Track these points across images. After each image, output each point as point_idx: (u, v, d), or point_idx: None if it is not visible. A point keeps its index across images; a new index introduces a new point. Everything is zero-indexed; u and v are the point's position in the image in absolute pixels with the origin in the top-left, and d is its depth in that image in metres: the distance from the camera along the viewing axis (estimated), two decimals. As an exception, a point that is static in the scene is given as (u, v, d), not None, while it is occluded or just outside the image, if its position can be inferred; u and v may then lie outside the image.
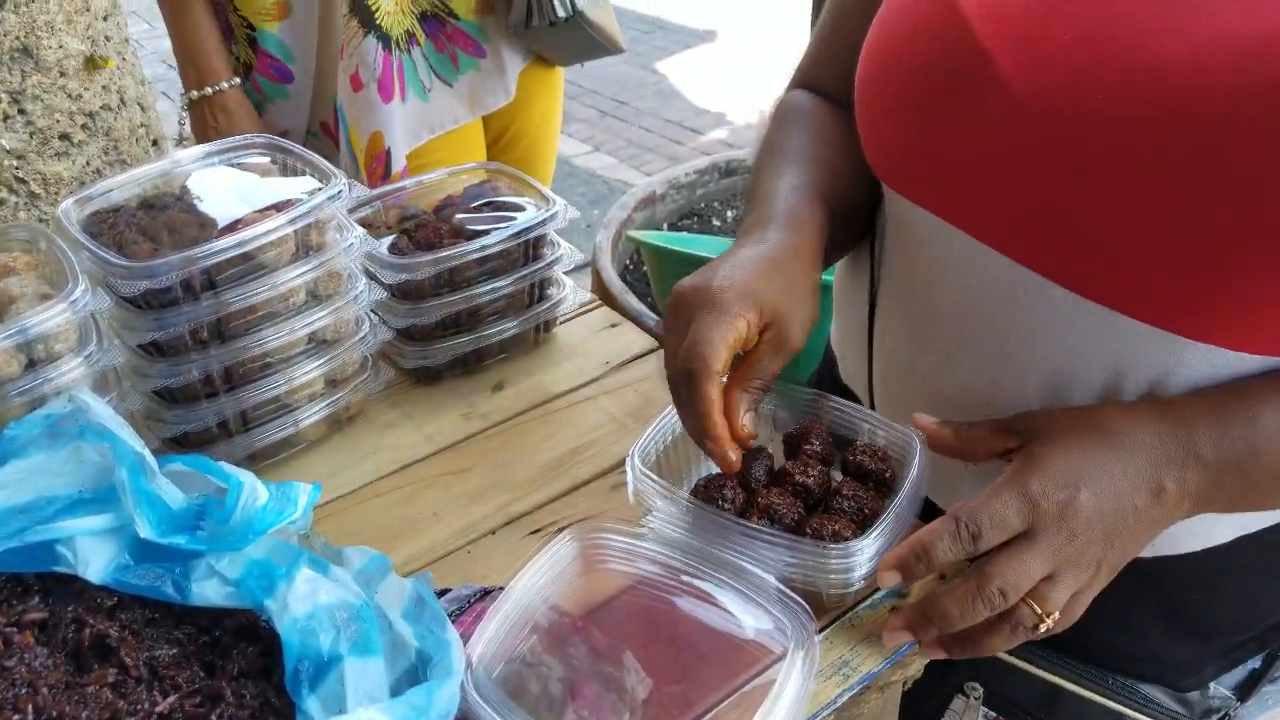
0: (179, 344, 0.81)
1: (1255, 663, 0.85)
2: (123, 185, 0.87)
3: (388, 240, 0.98)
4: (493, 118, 1.63)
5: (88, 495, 0.66)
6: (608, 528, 0.72)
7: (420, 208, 1.06)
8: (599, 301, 1.15)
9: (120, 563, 0.64)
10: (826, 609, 0.73)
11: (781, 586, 0.67)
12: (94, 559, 0.63)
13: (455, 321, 0.99)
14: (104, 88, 1.53)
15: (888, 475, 0.76)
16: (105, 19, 1.55)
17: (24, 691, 0.58)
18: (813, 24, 0.91)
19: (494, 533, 0.84)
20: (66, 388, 0.76)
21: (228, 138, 0.94)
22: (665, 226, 2.70)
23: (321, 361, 0.90)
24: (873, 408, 0.87)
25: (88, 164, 1.53)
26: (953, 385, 0.76)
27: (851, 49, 0.77)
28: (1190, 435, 0.64)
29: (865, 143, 0.76)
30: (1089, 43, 0.62)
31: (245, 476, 0.66)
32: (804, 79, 0.91)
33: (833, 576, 0.68)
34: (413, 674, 0.62)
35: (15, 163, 1.45)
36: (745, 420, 0.69)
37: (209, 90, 1.46)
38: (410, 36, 1.47)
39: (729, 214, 2.76)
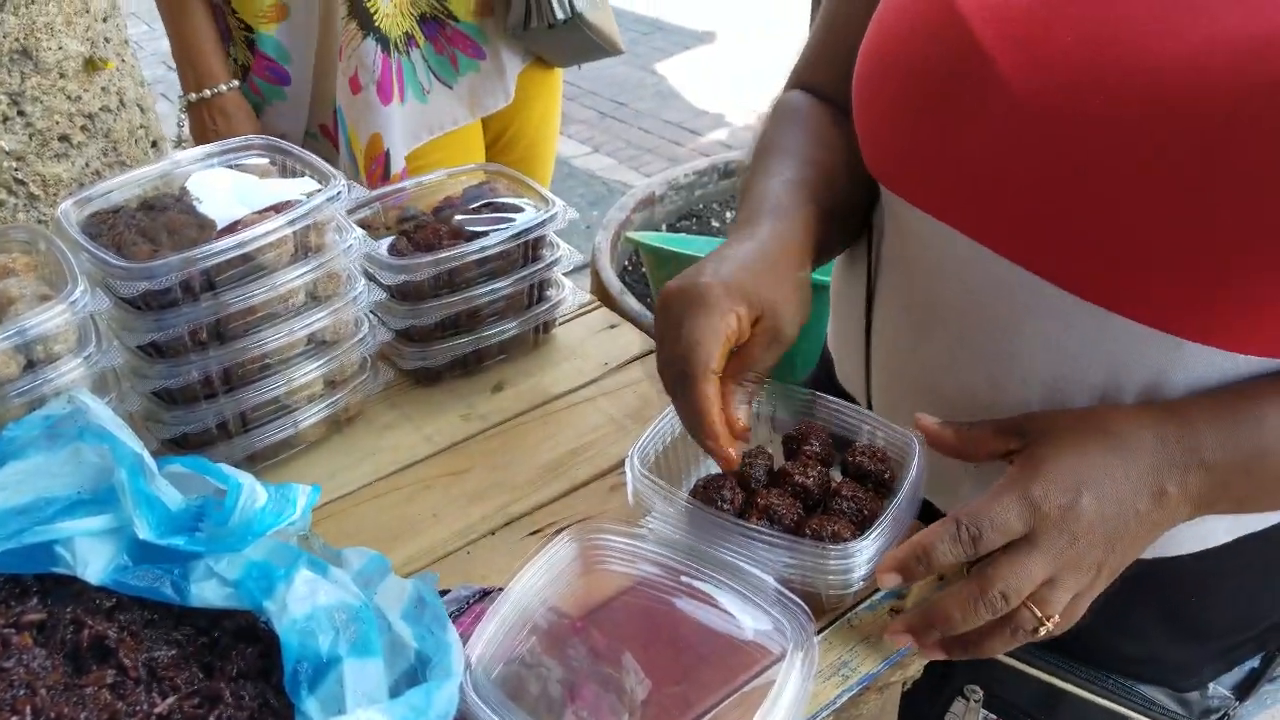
0: (178, 345, 0.81)
1: (1254, 662, 0.85)
2: (122, 186, 0.87)
3: (387, 241, 0.98)
4: (492, 119, 1.63)
5: (87, 496, 0.66)
6: (607, 529, 0.72)
7: (419, 209, 1.06)
8: (598, 302, 1.15)
9: (119, 564, 0.64)
10: (826, 610, 0.73)
11: (780, 587, 0.67)
12: (93, 560, 0.63)
13: (454, 322, 0.99)
14: (103, 89, 1.53)
15: (887, 476, 0.76)
16: (105, 21, 1.55)
17: (22, 693, 0.58)
18: (811, 25, 0.91)
19: (493, 534, 0.84)
20: (66, 389, 0.76)
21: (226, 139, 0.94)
22: (664, 228, 2.70)
23: (321, 362, 0.90)
24: (870, 409, 0.87)
25: (87, 165, 1.53)
26: (951, 387, 0.76)
27: (848, 49, 0.77)
28: (1194, 438, 0.64)
29: (863, 143, 0.76)
30: (1090, 44, 0.62)
31: (244, 478, 0.66)
32: (800, 79, 0.91)
33: (832, 577, 0.68)
34: (412, 675, 0.62)
35: (14, 164, 1.45)
36: (740, 414, 0.69)
37: (207, 93, 1.46)
38: (409, 38, 1.48)
39: (728, 215, 2.76)
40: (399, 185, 1.09)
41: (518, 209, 1.02)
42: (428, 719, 0.56)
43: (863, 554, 0.68)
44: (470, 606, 0.72)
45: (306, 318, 0.87)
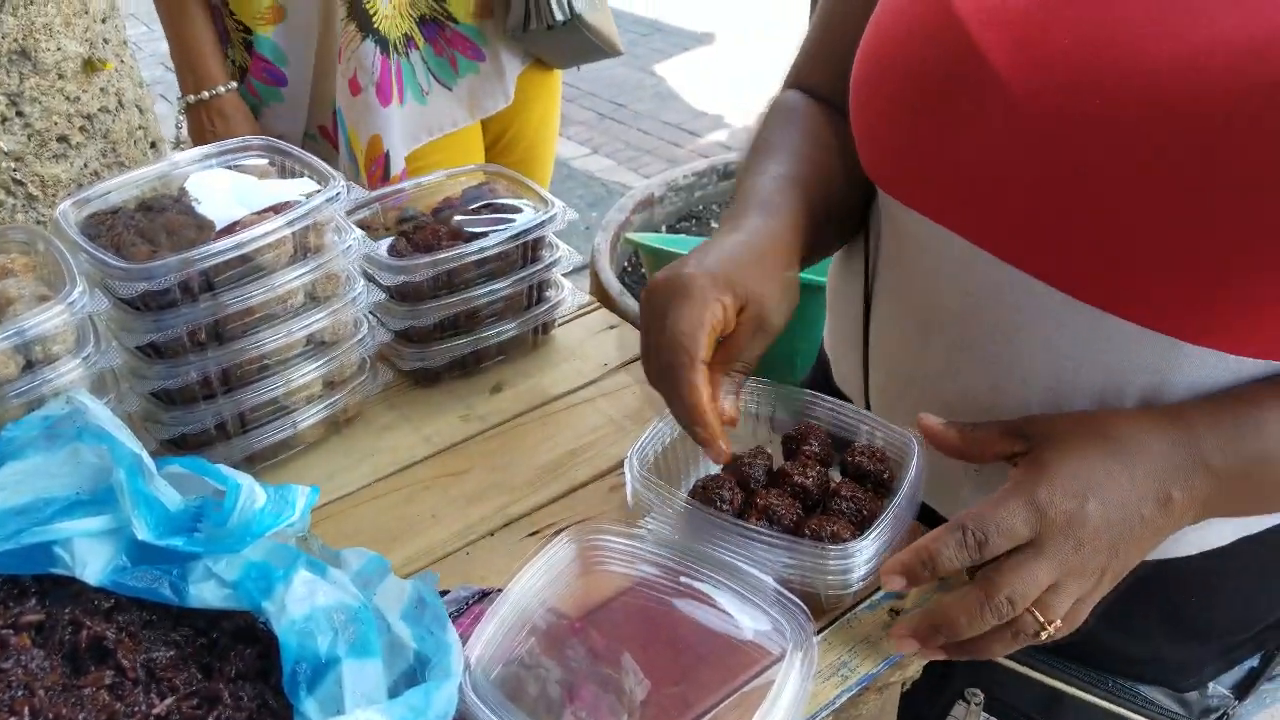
0: (177, 346, 0.81)
1: (1253, 662, 0.85)
2: (121, 187, 0.87)
3: (386, 242, 0.98)
4: (491, 120, 1.63)
5: (85, 497, 0.66)
6: (606, 529, 0.72)
7: (419, 210, 1.06)
8: (597, 303, 1.15)
9: (118, 564, 0.64)
10: (825, 610, 0.73)
11: (780, 588, 0.67)
12: (91, 561, 0.63)
13: (453, 323, 0.99)
14: (102, 90, 1.53)
15: (886, 477, 0.76)
16: (103, 21, 1.55)
17: (21, 694, 0.58)
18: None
19: (492, 534, 0.84)
20: (64, 389, 0.76)
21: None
22: (663, 229, 2.70)
23: (320, 363, 0.90)
24: (868, 411, 0.87)
25: (85, 166, 1.53)
26: (951, 390, 0.76)
27: (844, 50, 0.77)
28: (1199, 443, 0.64)
29: (860, 145, 0.76)
30: (1088, 46, 0.62)
31: (243, 479, 0.66)
32: (796, 79, 0.91)
33: (831, 578, 0.68)
34: (411, 675, 0.61)
35: (13, 165, 1.45)
36: (728, 405, 0.69)
37: (206, 95, 1.46)
38: (408, 40, 1.48)
39: (727, 216, 2.76)
40: (398, 186, 1.09)
41: (517, 210, 1.02)
42: (427, 719, 0.56)
43: (862, 554, 0.67)
44: (469, 607, 0.72)
45: (305, 318, 0.87)
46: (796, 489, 0.74)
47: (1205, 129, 0.58)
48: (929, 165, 0.70)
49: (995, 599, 0.62)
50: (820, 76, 0.88)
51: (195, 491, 0.68)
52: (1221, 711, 0.85)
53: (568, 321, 1.11)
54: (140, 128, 1.63)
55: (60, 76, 1.46)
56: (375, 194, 1.06)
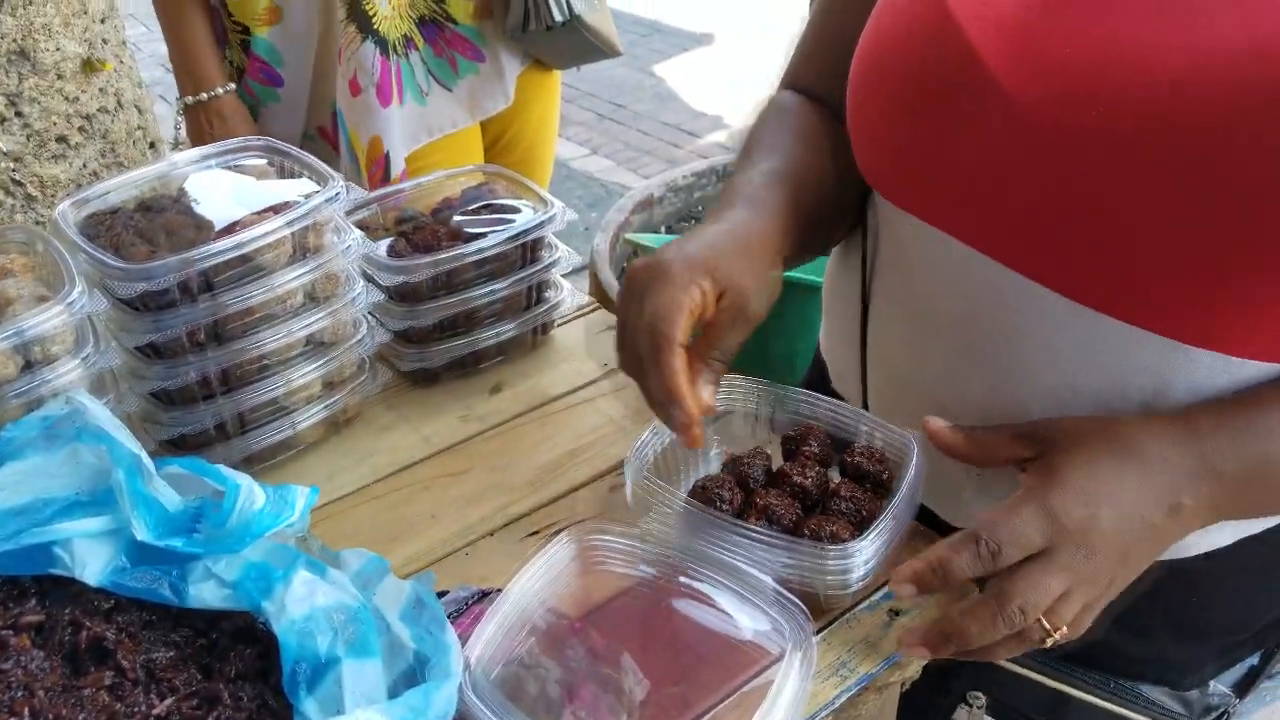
0: (176, 346, 0.81)
1: (1253, 660, 0.85)
2: (120, 187, 0.87)
3: (385, 243, 0.98)
4: (491, 121, 1.63)
5: (85, 497, 0.66)
6: (605, 529, 0.72)
7: (418, 210, 1.06)
8: (596, 304, 1.15)
9: (117, 565, 0.64)
10: (824, 610, 0.73)
11: (779, 588, 0.67)
12: (91, 561, 0.63)
13: (453, 324, 0.99)
14: (101, 90, 1.53)
15: (885, 477, 0.76)
16: (103, 22, 1.55)
17: (20, 694, 0.58)
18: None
19: (492, 535, 0.84)
20: (63, 389, 0.76)
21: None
22: (663, 229, 2.70)
23: (319, 364, 0.90)
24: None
25: (85, 166, 1.53)
26: (950, 393, 0.76)
27: (840, 50, 0.77)
28: (1208, 450, 0.63)
29: (856, 147, 0.76)
30: (1087, 53, 0.62)
31: (242, 479, 0.66)
32: (792, 80, 0.90)
33: (830, 578, 0.68)
34: (410, 676, 0.61)
35: (12, 165, 1.45)
36: (706, 394, 0.69)
37: (204, 96, 1.46)
38: (408, 41, 1.48)
39: (726, 217, 2.76)
40: (397, 187, 1.09)
41: (516, 210, 1.02)
42: (426, 719, 0.56)
43: (861, 554, 0.67)
44: (469, 607, 0.72)
45: (305, 319, 0.87)
46: (796, 489, 0.74)
47: (1205, 135, 0.58)
48: (928, 167, 0.70)
49: (1008, 610, 0.61)
50: (815, 76, 0.87)
51: (194, 492, 0.68)
52: (1222, 710, 0.85)
53: (567, 322, 1.11)
54: (139, 128, 1.63)
55: (59, 77, 1.46)
56: (374, 194, 1.06)
